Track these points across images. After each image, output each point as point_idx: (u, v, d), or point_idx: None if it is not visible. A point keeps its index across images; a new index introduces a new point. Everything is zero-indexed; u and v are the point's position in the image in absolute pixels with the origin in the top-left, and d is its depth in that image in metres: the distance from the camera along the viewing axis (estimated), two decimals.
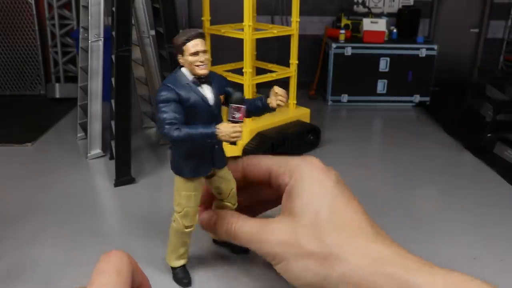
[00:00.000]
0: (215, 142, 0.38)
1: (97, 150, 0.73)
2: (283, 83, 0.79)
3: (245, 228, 0.41)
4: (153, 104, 0.79)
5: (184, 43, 0.37)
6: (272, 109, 0.41)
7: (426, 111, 1.02)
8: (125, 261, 0.23)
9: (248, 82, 0.71)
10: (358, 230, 0.37)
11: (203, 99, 0.38)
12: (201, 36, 0.37)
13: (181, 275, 0.44)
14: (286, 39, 0.78)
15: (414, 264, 0.33)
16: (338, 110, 1.02)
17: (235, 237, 0.41)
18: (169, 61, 0.64)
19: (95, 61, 0.71)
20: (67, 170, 0.68)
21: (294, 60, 0.78)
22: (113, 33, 0.62)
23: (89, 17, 0.69)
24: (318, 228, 0.37)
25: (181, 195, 0.41)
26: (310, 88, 1.10)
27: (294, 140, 0.70)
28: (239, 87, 0.73)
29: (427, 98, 1.05)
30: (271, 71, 0.79)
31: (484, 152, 0.76)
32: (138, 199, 0.60)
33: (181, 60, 0.37)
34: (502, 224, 0.55)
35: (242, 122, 0.38)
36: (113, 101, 0.64)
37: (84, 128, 0.77)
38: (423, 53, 1.01)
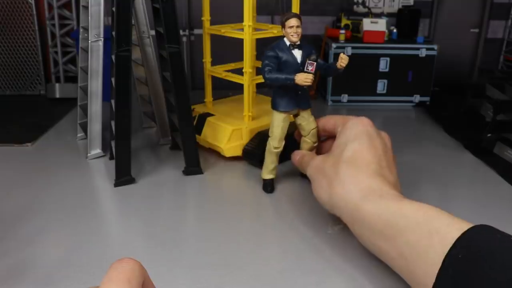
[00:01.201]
0: (299, 88, 0.57)
1: (97, 150, 0.73)
2: None
3: (305, 159, 0.58)
4: (153, 103, 0.79)
5: (286, 20, 0.55)
6: (338, 70, 0.58)
7: (426, 111, 1.02)
8: (136, 270, 0.23)
9: (248, 82, 0.71)
10: (365, 167, 0.47)
11: (293, 58, 0.56)
12: (297, 16, 0.55)
13: (268, 185, 0.63)
14: None
15: (391, 196, 0.43)
16: (338, 110, 1.02)
17: (301, 165, 0.59)
18: (169, 61, 0.64)
19: (95, 61, 0.71)
20: (67, 170, 0.68)
21: None
22: (113, 33, 0.62)
23: (89, 17, 0.69)
24: (338, 160, 0.49)
25: (273, 124, 0.60)
26: (310, 88, 1.10)
27: (294, 140, 0.70)
28: (240, 87, 0.73)
29: (427, 98, 1.05)
30: None
31: (484, 152, 0.76)
32: (138, 199, 0.60)
33: (283, 31, 0.56)
34: (502, 224, 0.55)
35: (313, 73, 0.54)
36: (113, 101, 0.64)
37: (84, 128, 0.77)
38: (423, 53, 1.01)
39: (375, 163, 0.48)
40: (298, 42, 0.56)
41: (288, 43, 0.56)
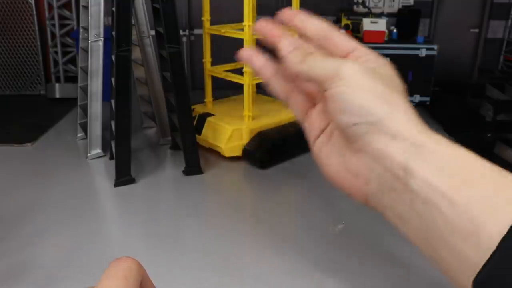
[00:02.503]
0: None
1: (97, 150, 0.73)
2: None
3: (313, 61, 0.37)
4: (153, 103, 0.79)
5: None
6: None
7: (426, 111, 1.02)
8: (134, 269, 0.23)
9: (248, 82, 0.71)
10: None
11: None
12: None
13: None
14: None
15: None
16: None
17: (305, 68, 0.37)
18: (169, 61, 0.64)
19: (95, 61, 0.71)
20: (67, 170, 0.68)
21: None
22: (113, 33, 0.62)
23: (89, 17, 0.69)
24: (389, 84, 0.37)
25: None
26: None
27: (294, 140, 0.70)
28: (239, 87, 0.73)
29: (427, 98, 1.04)
30: None
31: (484, 152, 0.76)
32: (138, 199, 0.60)
33: None
34: None
35: None
36: (113, 101, 0.64)
37: (84, 128, 0.77)
38: (423, 53, 1.01)
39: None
40: None
41: None
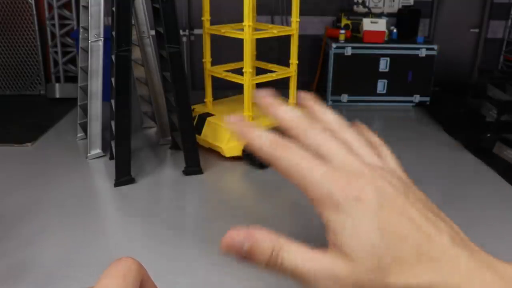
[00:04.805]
0: None
1: (97, 150, 0.73)
2: (283, 83, 0.80)
3: (292, 261, 0.26)
4: (153, 103, 0.79)
5: None
6: None
7: (426, 111, 1.02)
8: (133, 269, 0.23)
9: (248, 82, 0.71)
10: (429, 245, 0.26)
11: None
12: None
13: None
14: (286, 39, 0.78)
15: None
16: (338, 110, 1.01)
17: (280, 270, 0.28)
18: (169, 61, 0.64)
19: (95, 61, 0.71)
20: (67, 170, 0.68)
21: (294, 60, 0.78)
22: (113, 33, 0.62)
23: (89, 17, 0.69)
24: (382, 271, 0.27)
25: None
26: (310, 88, 1.10)
27: None
28: (240, 87, 0.73)
29: (427, 98, 1.05)
30: (271, 71, 0.79)
31: (484, 152, 0.77)
32: (138, 199, 0.60)
33: None
34: (502, 224, 0.55)
35: None
36: (113, 101, 0.64)
37: (84, 128, 0.77)
38: (423, 53, 1.01)
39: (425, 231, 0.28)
40: None
41: None
